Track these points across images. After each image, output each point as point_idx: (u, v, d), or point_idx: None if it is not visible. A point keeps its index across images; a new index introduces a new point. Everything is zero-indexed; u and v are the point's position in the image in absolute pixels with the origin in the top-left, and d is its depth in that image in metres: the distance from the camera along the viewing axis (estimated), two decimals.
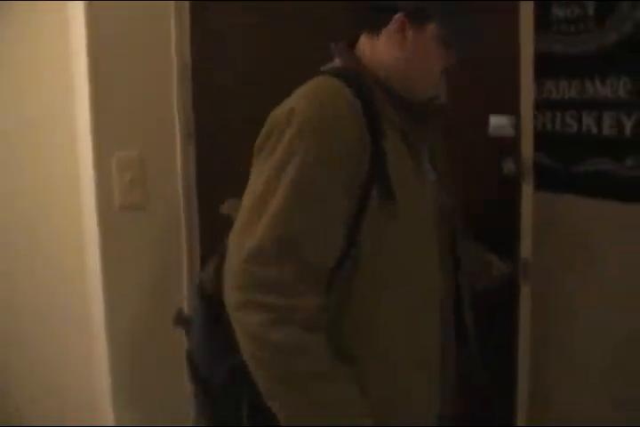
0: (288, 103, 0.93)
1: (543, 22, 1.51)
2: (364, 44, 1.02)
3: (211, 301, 0.96)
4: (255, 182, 0.91)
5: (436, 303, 0.98)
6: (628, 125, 1.38)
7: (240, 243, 0.88)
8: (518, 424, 1.55)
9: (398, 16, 0.97)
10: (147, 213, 1.41)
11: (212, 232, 1.27)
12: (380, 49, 0.99)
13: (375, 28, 1.00)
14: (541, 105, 1.53)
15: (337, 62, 1.02)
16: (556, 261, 1.52)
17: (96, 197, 1.37)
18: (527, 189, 1.44)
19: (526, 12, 1.40)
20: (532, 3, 1.39)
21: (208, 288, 1.00)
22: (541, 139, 1.53)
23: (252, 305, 0.85)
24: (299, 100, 0.93)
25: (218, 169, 1.48)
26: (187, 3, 1.42)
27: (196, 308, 1.03)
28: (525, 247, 1.46)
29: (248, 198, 0.91)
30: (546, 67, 1.51)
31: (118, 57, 1.37)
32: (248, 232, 0.88)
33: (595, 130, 1.44)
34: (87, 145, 1.39)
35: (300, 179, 0.87)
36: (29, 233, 1.54)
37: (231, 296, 0.87)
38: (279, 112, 0.92)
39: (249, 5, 1.41)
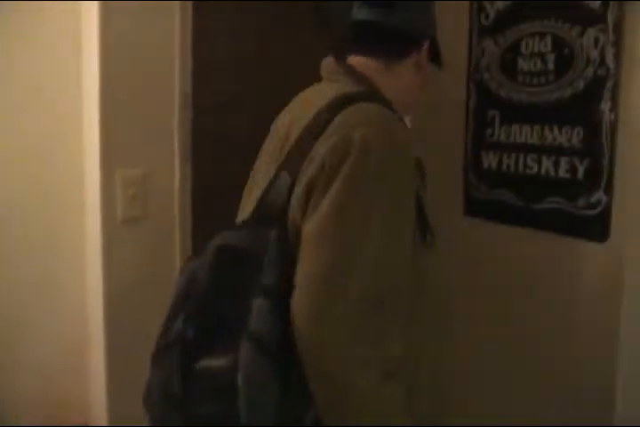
0: (351, 131, 0.91)
1: (512, 74, 1.71)
2: (368, 66, 1.04)
3: None
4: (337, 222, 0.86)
5: None
6: (581, 170, 1.55)
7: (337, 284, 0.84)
8: None
9: (425, 45, 1.08)
10: (146, 225, 1.60)
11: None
12: (398, 75, 1.04)
13: (386, 52, 1.05)
14: (507, 147, 1.71)
15: (350, 84, 1.03)
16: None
17: (101, 211, 1.57)
18: None
19: None
20: None
21: None
22: (506, 178, 1.72)
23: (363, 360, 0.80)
24: (367, 128, 0.91)
25: (212, 185, 1.67)
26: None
27: None
28: None
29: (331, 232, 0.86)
30: (512, 113, 1.69)
31: (126, 83, 1.58)
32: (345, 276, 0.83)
33: (552, 172, 1.61)
34: (94, 163, 1.59)
35: (391, 218, 0.87)
36: (31, 245, 1.69)
37: (334, 351, 0.82)
38: (342, 143, 0.90)
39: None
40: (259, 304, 0.85)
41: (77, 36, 1.64)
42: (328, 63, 1.11)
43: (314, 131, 0.97)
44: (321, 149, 0.93)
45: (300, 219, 0.91)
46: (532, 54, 1.66)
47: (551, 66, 1.62)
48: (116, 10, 1.52)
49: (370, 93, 1.01)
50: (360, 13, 1.06)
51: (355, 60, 1.07)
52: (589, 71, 1.53)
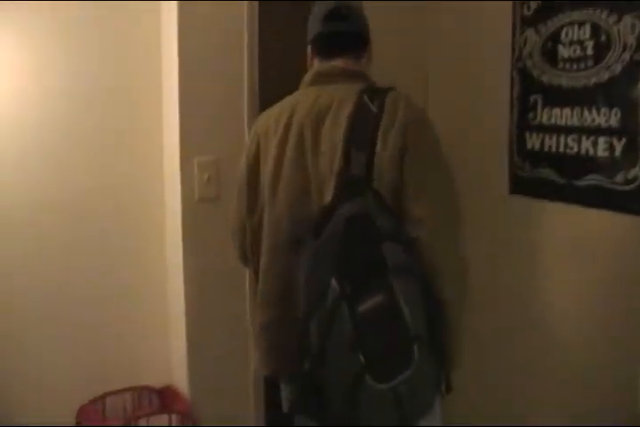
0: (410, 111, 1.29)
1: (553, 61, 1.85)
2: (350, 64, 1.38)
3: None
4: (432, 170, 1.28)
5: None
6: (618, 148, 1.69)
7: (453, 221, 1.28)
8: None
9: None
10: (219, 204, 1.82)
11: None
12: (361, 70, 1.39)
13: (355, 51, 1.40)
14: (549, 129, 1.86)
15: (360, 80, 1.37)
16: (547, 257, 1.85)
17: (181, 192, 1.80)
18: None
19: None
20: None
21: None
22: (549, 157, 1.87)
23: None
24: (416, 108, 1.33)
25: None
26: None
27: None
28: None
29: (440, 179, 1.28)
30: (553, 97, 1.84)
31: (200, 83, 1.80)
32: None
33: (591, 151, 1.76)
34: (174, 150, 1.81)
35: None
36: (114, 224, 1.92)
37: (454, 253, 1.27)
38: (414, 116, 1.29)
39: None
40: (389, 246, 1.17)
41: (157, 35, 1.87)
42: (332, 67, 1.39)
43: (370, 115, 1.27)
44: (391, 124, 1.26)
45: (398, 173, 1.25)
46: (571, 42, 1.81)
47: (590, 52, 1.76)
48: (191, 10, 1.74)
49: (384, 86, 1.35)
50: (331, 26, 1.39)
51: (339, 62, 1.38)
52: (626, 56, 1.67)
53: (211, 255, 1.82)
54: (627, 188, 1.68)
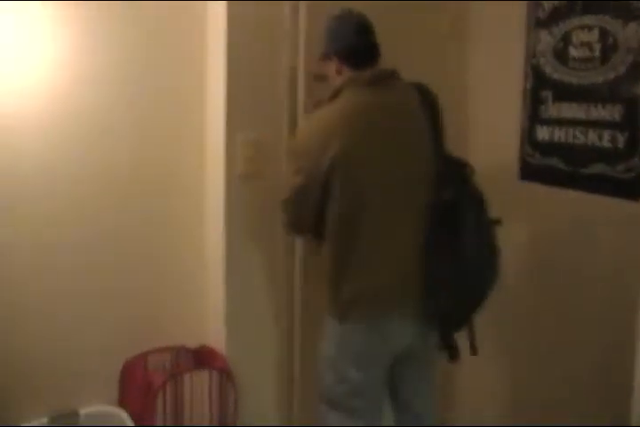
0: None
1: (564, 60, 2.08)
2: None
3: None
4: None
5: None
6: (621, 141, 1.93)
7: None
8: None
9: None
10: (260, 180, 2.01)
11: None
12: None
13: (379, 58, 1.74)
14: (558, 122, 2.09)
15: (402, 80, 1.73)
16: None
17: (224, 168, 1.97)
18: None
19: None
20: None
21: None
22: (557, 147, 2.10)
23: None
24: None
25: None
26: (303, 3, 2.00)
27: None
28: None
29: None
30: (563, 93, 2.07)
31: (245, 62, 1.97)
32: None
33: (597, 142, 1.99)
34: (219, 128, 1.98)
35: None
36: (154, 198, 2.07)
37: None
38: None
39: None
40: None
41: (203, 15, 2.03)
42: (380, 72, 1.69)
43: (435, 105, 1.73)
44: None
45: None
46: (581, 43, 2.04)
47: (597, 53, 1.99)
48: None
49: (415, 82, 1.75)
50: (364, 40, 1.70)
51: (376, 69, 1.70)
52: (630, 58, 1.90)
53: (250, 226, 2.02)
54: (627, 176, 1.92)
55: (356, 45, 1.69)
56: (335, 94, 1.69)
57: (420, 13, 2.22)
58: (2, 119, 1.82)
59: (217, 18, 1.97)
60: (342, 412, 1.71)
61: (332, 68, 1.73)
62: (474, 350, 1.72)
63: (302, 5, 2.00)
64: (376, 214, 1.62)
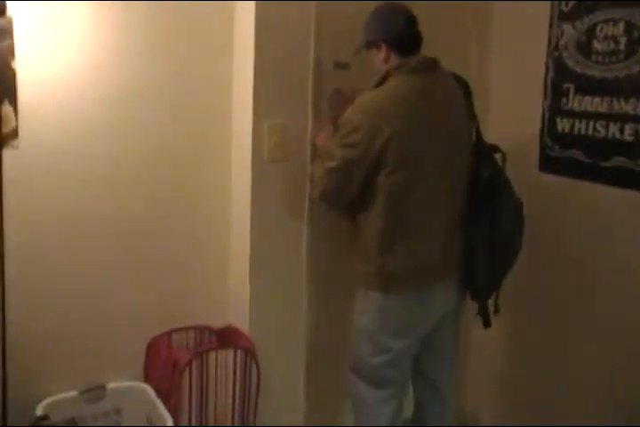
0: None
1: (587, 54, 2.12)
2: None
3: None
4: None
5: None
6: None
7: None
8: None
9: None
10: (285, 164, 2.07)
11: None
12: None
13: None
14: (579, 114, 2.13)
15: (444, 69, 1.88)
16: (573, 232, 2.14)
17: (252, 153, 2.02)
18: None
19: None
20: None
21: None
22: (579, 140, 2.15)
23: None
24: None
25: None
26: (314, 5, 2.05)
27: None
28: None
29: None
30: (585, 86, 2.11)
31: (273, 51, 2.01)
32: None
33: (618, 135, 2.03)
34: (247, 114, 2.03)
35: None
36: (181, 182, 2.12)
37: None
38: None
39: None
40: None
41: (232, 9, 2.06)
42: (426, 60, 1.81)
43: (469, 93, 1.90)
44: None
45: None
46: (605, 37, 2.07)
47: (622, 47, 2.03)
48: None
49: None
50: (413, 29, 1.82)
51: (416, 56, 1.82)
52: None
53: (275, 208, 2.08)
54: None
55: (405, 34, 1.81)
56: (383, 79, 1.80)
57: (444, 5, 2.26)
58: (39, 108, 1.88)
59: (246, 8, 2.01)
60: (373, 382, 1.84)
61: (378, 55, 1.83)
62: (496, 307, 1.92)
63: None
64: (424, 188, 1.75)
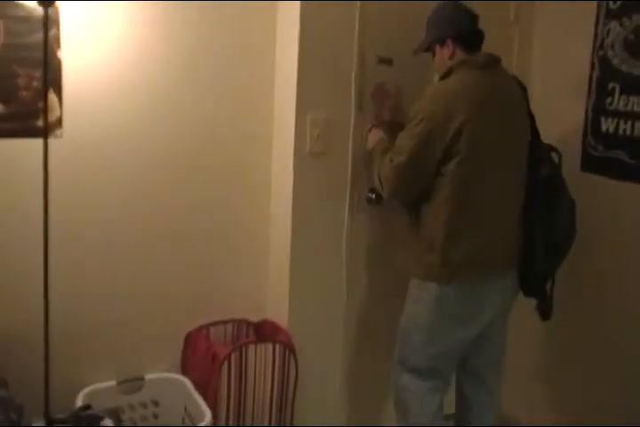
0: None
1: (634, 53, 2.11)
2: None
3: None
4: None
5: None
6: None
7: None
8: None
9: None
10: (326, 158, 2.08)
11: None
12: None
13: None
14: (624, 114, 2.12)
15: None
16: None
17: (294, 146, 2.03)
18: None
19: None
20: None
21: None
22: (622, 140, 2.14)
23: None
24: None
25: None
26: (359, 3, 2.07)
27: None
28: None
29: None
30: (631, 86, 2.09)
31: (316, 51, 2.02)
32: None
33: None
34: (290, 109, 2.03)
35: None
36: (223, 174, 2.13)
37: None
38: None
39: None
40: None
41: (275, 4, 2.07)
42: (491, 57, 1.85)
43: (526, 93, 1.94)
44: None
45: None
46: None
47: None
48: None
49: None
50: (477, 26, 1.87)
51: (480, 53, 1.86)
52: None
53: (316, 202, 2.09)
54: None
55: (471, 30, 1.87)
56: (447, 74, 1.84)
57: (487, 3, 2.24)
58: (83, 98, 1.89)
59: (290, 5, 2.01)
60: (419, 374, 1.88)
61: (442, 51, 1.88)
62: (551, 301, 1.96)
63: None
64: (490, 179, 1.79)
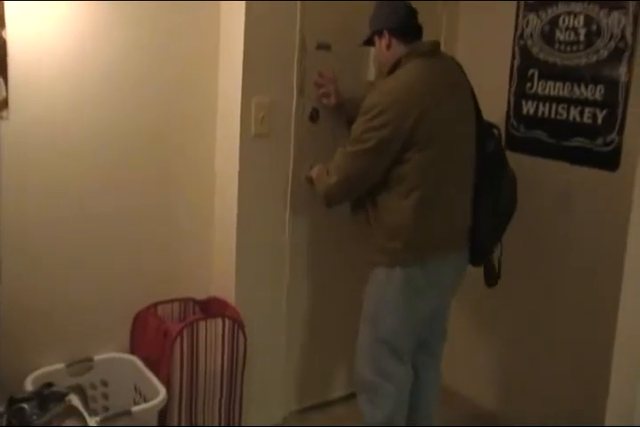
0: None
1: (550, 42, 2.33)
2: None
3: None
4: None
5: None
6: (600, 117, 2.20)
7: None
8: None
9: None
10: (270, 139, 2.18)
11: None
12: None
13: None
14: (543, 98, 2.35)
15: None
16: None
17: (240, 128, 2.12)
18: None
19: None
20: None
21: None
22: (542, 122, 2.36)
23: None
24: None
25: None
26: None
27: None
28: None
29: None
30: (549, 72, 2.32)
31: (260, 37, 2.11)
32: None
33: (578, 118, 2.26)
34: (236, 92, 2.12)
35: None
36: (169, 156, 2.18)
37: None
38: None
39: None
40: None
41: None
42: (434, 44, 1.99)
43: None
44: None
45: None
46: (567, 28, 2.29)
47: (582, 38, 2.24)
48: None
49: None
50: (414, 19, 1.98)
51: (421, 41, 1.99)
52: (612, 44, 2.16)
53: (261, 182, 2.19)
54: (605, 149, 2.20)
55: (405, 21, 1.97)
56: (394, 67, 1.95)
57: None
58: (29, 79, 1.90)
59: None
60: (400, 355, 1.99)
61: (381, 43, 1.98)
62: (499, 267, 2.11)
63: None
64: (449, 163, 1.90)
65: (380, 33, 1.98)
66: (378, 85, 1.94)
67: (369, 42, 2.05)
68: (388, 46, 1.96)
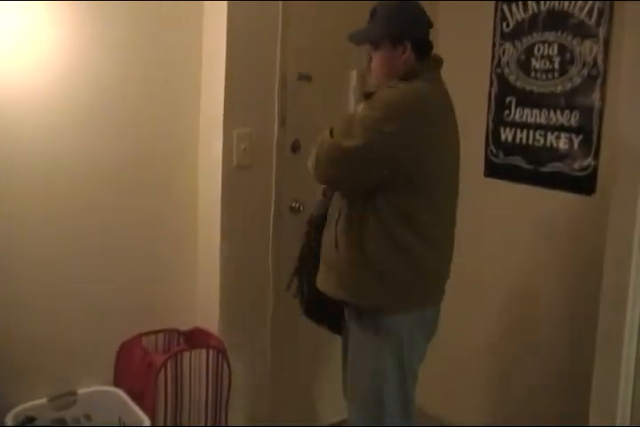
0: None
1: (526, 70, 2.43)
2: None
3: None
4: None
5: None
6: (576, 142, 2.28)
7: None
8: None
9: None
10: (252, 170, 2.25)
11: None
12: None
13: None
14: (520, 125, 2.43)
15: None
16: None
17: (222, 160, 2.19)
18: None
19: None
20: None
21: None
22: (519, 148, 2.44)
23: None
24: None
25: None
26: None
27: None
28: None
29: None
30: (525, 100, 2.42)
31: (241, 69, 2.19)
32: None
33: (555, 144, 2.34)
34: (217, 124, 2.19)
35: None
36: (150, 189, 2.23)
37: None
38: None
39: None
40: None
41: (199, 21, 2.23)
42: (439, 57, 1.87)
43: None
44: None
45: None
46: (542, 56, 2.39)
47: (557, 66, 2.34)
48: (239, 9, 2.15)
49: None
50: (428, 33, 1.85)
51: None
52: (585, 71, 2.26)
53: (244, 213, 2.25)
54: (581, 174, 2.28)
55: (426, 39, 1.83)
56: (408, 75, 1.75)
57: None
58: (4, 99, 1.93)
59: (217, 26, 2.17)
60: (406, 411, 1.83)
61: (394, 52, 1.78)
62: None
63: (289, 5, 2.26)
64: (444, 195, 1.82)
65: (398, 40, 1.76)
66: (392, 87, 1.73)
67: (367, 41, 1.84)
68: (406, 61, 1.76)
